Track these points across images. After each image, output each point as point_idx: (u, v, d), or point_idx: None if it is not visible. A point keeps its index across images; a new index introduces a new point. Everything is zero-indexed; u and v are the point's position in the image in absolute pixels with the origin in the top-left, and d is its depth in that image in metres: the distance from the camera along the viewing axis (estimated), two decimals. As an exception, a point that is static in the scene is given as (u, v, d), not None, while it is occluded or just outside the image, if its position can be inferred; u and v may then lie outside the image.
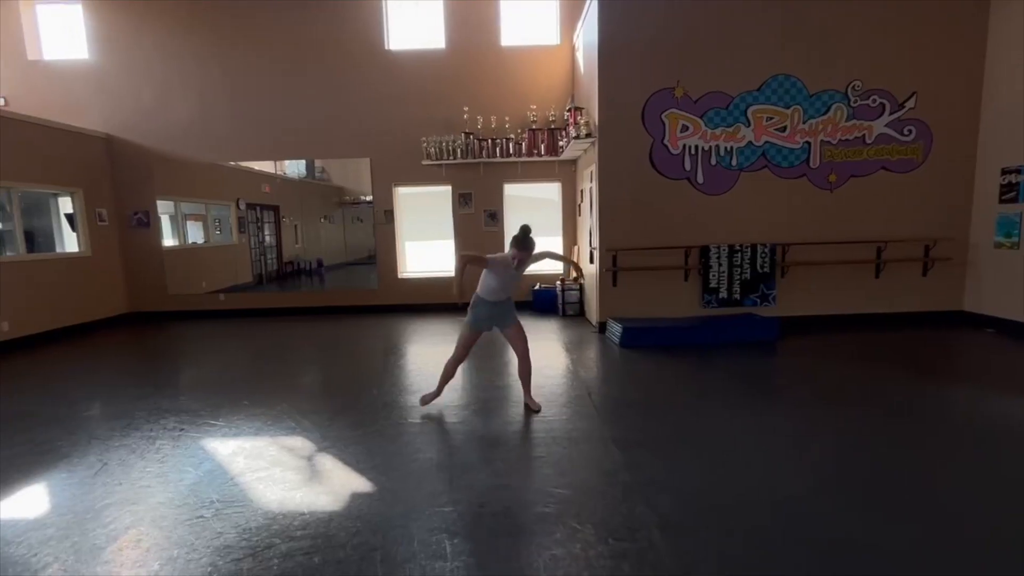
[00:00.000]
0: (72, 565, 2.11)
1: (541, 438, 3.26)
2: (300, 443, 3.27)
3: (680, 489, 2.59)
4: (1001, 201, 5.62)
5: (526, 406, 3.79)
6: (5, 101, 7.61)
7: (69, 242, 7.59)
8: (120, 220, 8.02)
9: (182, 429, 3.54)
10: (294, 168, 8.59)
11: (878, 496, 2.48)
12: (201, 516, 2.44)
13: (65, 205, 7.53)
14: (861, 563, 2.01)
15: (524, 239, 3.41)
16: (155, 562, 2.11)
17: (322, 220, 8.85)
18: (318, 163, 8.47)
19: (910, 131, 5.90)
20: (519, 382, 4.48)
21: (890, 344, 5.35)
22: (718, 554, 2.08)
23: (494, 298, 3.56)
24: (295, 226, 8.88)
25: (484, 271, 3.52)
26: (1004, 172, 5.57)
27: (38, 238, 7.29)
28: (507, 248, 3.50)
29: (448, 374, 3.80)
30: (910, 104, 5.87)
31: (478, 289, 3.61)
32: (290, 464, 2.98)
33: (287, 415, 3.76)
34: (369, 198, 8.21)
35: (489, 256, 3.46)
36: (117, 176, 7.94)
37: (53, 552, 2.20)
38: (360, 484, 2.72)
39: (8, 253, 6.55)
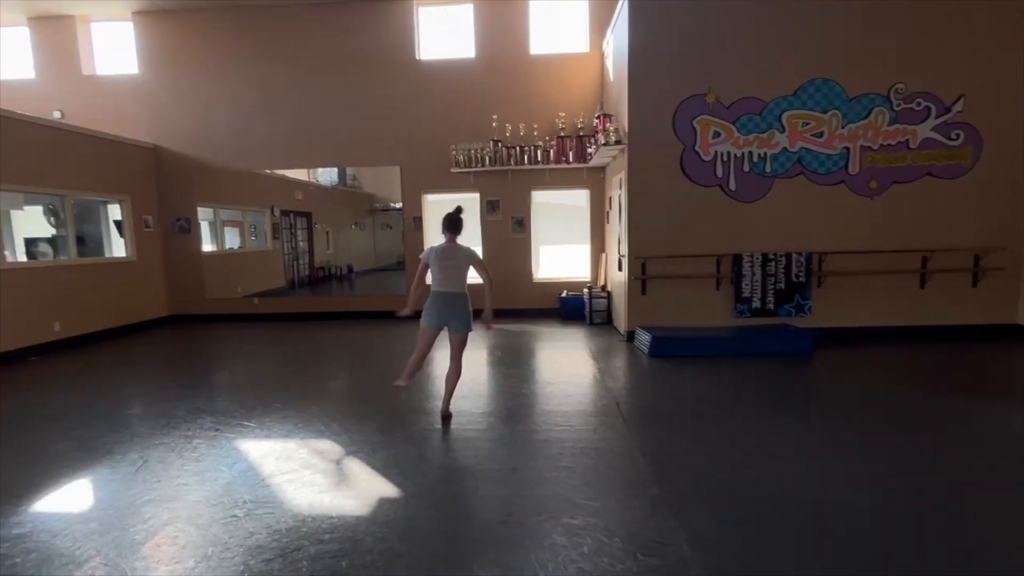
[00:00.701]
0: (113, 559, 2.19)
1: (568, 448, 3.22)
2: (329, 446, 3.32)
3: (711, 504, 2.51)
4: (1059, 208, 5.31)
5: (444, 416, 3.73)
6: (62, 114, 8.06)
7: (117, 247, 7.96)
8: (163, 226, 8.37)
9: (218, 429, 3.65)
10: (327, 176, 8.82)
11: (919, 518, 2.35)
12: (234, 515, 2.50)
13: (114, 212, 7.91)
14: (907, 591, 1.91)
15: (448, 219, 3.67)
16: (190, 559, 2.17)
17: (353, 227, 9.05)
18: (350, 171, 8.67)
19: (958, 135, 5.63)
20: (545, 388, 4.48)
21: (936, 359, 5.10)
22: (750, 572, 2.01)
23: (439, 288, 3.64)
24: (327, 232, 9.11)
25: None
26: (1062, 178, 5.26)
27: (89, 243, 7.67)
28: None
29: (414, 367, 3.78)
30: (957, 107, 5.61)
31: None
32: (319, 467, 3.02)
33: (317, 418, 3.83)
34: (398, 205, 8.34)
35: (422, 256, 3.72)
36: (161, 184, 8.30)
37: (95, 546, 2.29)
38: (387, 489, 2.74)
39: (61, 257, 6.92)
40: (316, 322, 8.16)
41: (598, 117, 6.84)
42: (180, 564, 2.14)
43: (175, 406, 4.18)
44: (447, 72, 7.89)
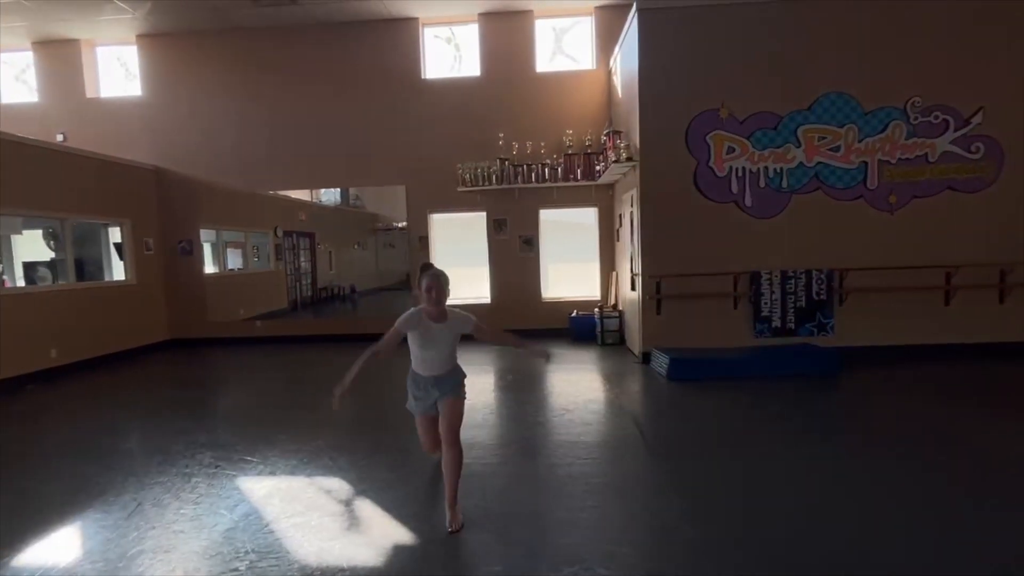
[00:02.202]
0: (100, 624, 1.97)
1: (594, 484, 2.99)
2: (337, 485, 3.10)
3: (756, 548, 2.28)
4: (1088, 222, 5.14)
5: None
6: (64, 137, 7.99)
7: (117, 271, 7.81)
8: (165, 249, 8.23)
9: (218, 466, 3.42)
10: (329, 196, 8.73)
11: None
12: (235, 569, 2.27)
13: (115, 235, 7.78)
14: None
15: (428, 269, 2.65)
16: (186, 624, 1.95)
17: (355, 247, 8.93)
18: (352, 191, 8.58)
19: (978, 148, 5.50)
20: (562, 416, 4.25)
21: (968, 378, 4.88)
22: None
23: (426, 372, 2.70)
24: (329, 252, 8.99)
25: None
26: (1090, 190, 5.11)
27: (89, 267, 7.52)
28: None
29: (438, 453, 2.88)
30: (976, 120, 5.49)
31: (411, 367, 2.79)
32: (327, 509, 2.80)
33: (323, 452, 3.61)
34: (401, 224, 8.23)
35: (398, 321, 2.58)
36: (163, 206, 8.19)
37: (82, 607, 2.07)
38: (401, 535, 2.51)
39: (60, 282, 6.76)
40: (319, 344, 7.95)
41: (607, 134, 6.74)
42: (175, 629, 1.92)
43: (174, 440, 3.96)
44: (453, 90, 7.83)
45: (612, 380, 5.35)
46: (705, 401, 4.50)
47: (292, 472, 3.30)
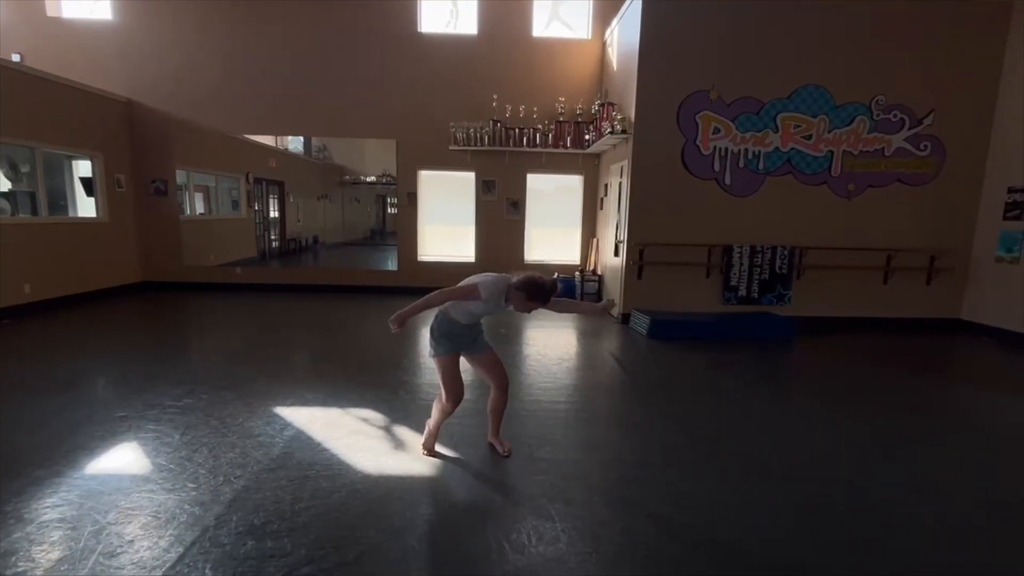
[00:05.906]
0: (200, 517, 2.23)
1: (600, 417, 3.47)
2: (370, 414, 3.41)
3: (741, 465, 2.82)
4: (1005, 218, 6.00)
5: (491, 446, 2.98)
6: (21, 57, 7.37)
7: (83, 207, 7.44)
8: (137, 187, 7.89)
9: (249, 396, 3.63)
10: (295, 144, 8.60)
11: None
12: (307, 476, 2.57)
13: (80, 168, 7.38)
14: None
15: (543, 292, 2.70)
16: (282, 515, 2.24)
17: (324, 199, 8.89)
18: (316, 141, 8.48)
19: (926, 146, 6.22)
20: (560, 364, 4.69)
21: (895, 346, 5.70)
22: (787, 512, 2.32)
23: (468, 321, 2.75)
24: (297, 204, 8.95)
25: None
26: (1010, 191, 5.94)
27: (57, 201, 7.13)
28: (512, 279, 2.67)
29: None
30: (928, 121, 6.18)
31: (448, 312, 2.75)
32: (370, 433, 3.12)
33: (347, 388, 3.87)
34: (370, 179, 8.33)
35: (483, 288, 2.58)
36: (136, 142, 7.80)
37: (177, 501, 2.31)
38: (447, 455, 2.86)
39: (24, 215, 6.41)
40: (299, 294, 7.99)
41: (601, 105, 7.01)
42: (272, 522, 2.20)
43: (191, 373, 4.11)
44: (448, 47, 7.80)
45: (598, 337, 5.84)
46: (681, 356, 5.07)
47: (324, 403, 3.57)
